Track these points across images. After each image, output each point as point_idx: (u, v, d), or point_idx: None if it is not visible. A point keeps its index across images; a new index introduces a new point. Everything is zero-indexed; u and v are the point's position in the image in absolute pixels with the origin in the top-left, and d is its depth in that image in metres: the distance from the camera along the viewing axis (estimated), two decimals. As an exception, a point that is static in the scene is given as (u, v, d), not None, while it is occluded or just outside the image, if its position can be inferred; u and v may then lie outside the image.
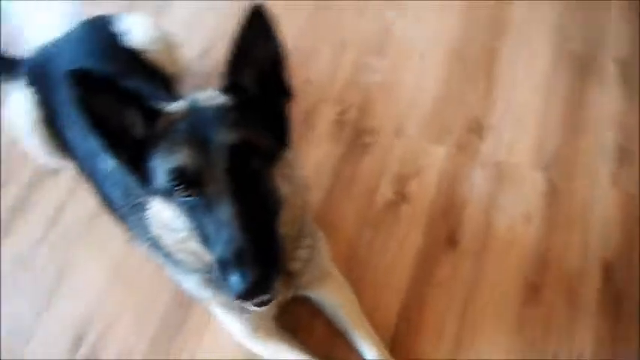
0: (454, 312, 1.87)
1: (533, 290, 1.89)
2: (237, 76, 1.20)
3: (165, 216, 1.24)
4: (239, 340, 1.77)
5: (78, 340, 1.91)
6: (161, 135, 1.17)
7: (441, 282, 1.92)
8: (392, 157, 2.19)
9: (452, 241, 1.99)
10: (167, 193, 1.16)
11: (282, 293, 1.54)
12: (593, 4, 2.60)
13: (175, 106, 1.23)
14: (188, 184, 1.12)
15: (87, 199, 2.12)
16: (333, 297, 1.80)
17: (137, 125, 1.18)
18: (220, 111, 1.19)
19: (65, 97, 1.65)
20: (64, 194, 2.22)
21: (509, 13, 2.58)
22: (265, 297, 1.16)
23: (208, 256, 1.21)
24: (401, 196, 2.09)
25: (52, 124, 1.90)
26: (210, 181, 1.12)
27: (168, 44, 2.11)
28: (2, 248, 2.12)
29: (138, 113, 1.17)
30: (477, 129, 2.24)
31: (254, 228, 1.10)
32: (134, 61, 1.95)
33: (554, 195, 2.08)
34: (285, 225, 1.25)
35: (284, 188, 1.21)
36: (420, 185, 2.12)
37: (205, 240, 1.15)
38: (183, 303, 1.92)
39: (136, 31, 1.98)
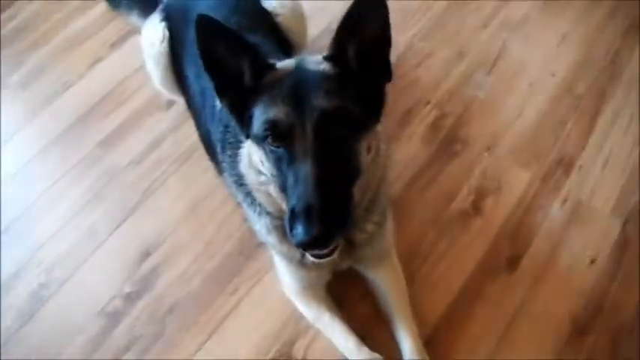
0: (495, 331, 1.91)
1: (578, 332, 1.91)
2: (342, 47, 1.30)
3: (254, 158, 1.39)
4: (287, 294, 1.91)
5: (145, 256, 2.13)
6: (266, 88, 1.31)
7: (491, 299, 1.97)
8: (477, 170, 2.26)
9: (512, 263, 2.04)
10: (260, 140, 1.30)
11: (342, 260, 1.66)
12: None
13: (284, 64, 1.36)
14: (278, 136, 1.26)
15: (187, 136, 2.37)
16: (386, 280, 1.90)
17: (247, 75, 1.33)
18: (322, 76, 1.31)
19: (192, 38, 1.87)
20: (168, 127, 2.46)
21: (628, 59, 2.58)
22: (323, 251, 1.29)
23: (282, 203, 1.36)
24: (475, 209, 2.16)
25: (175, 59, 2.10)
26: (299, 138, 1.24)
27: (299, 13, 2.26)
28: (104, 157, 2.38)
29: (250, 65, 1.31)
30: (566, 164, 2.27)
31: (328, 188, 1.21)
32: (265, 20, 2.10)
33: (625, 246, 2.08)
34: (359, 193, 1.36)
35: (366, 158, 1.33)
36: (497, 203, 2.18)
37: (283, 188, 1.28)
38: (244, 252, 2.08)
39: None
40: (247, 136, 1.38)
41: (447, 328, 1.92)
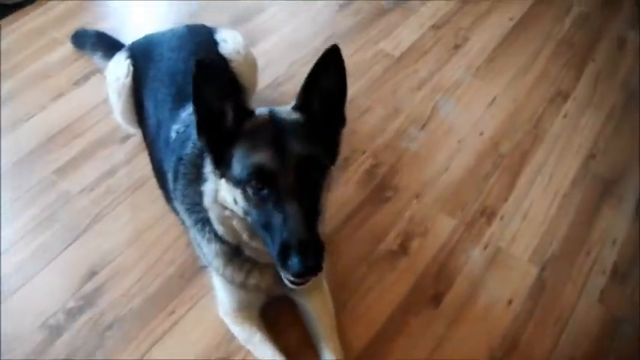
0: (416, 362, 2.00)
1: (495, 366, 2.01)
2: (308, 98, 1.49)
3: (224, 195, 1.52)
4: (223, 314, 1.99)
5: (90, 275, 2.18)
6: (247, 133, 1.45)
7: (413, 332, 2.07)
8: (406, 214, 2.40)
9: (435, 300, 2.15)
10: (241, 182, 1.43)
11: (277, 287, 1.76)
12: (630, 132, 2.81)
13: (260, 112, 1.51)
14: (263, 179, 1.39)
15: (139, 168, 2.49)
16: (316, 307, 1.99)
17: (229, 117, 1.46)
18: (297, 125, 1.47)
19: (156, 74, 2.08)
20: (122, 159, 2.57)
21: (551, 124, 2.82)
22: (312, 278, 1.42)
23: (243, 234, 1.56)
24: (403, 249, 2.28)
25: (136, 93, 2.25)
26: (283, 181, 1.38)
27: (251, 60, 2.43)
28: (59, 183, 2.47)
29: (233, 108, 1.45)
30: (488, 214, 2.42)
31: (311, 224, 1.38)
32: (221, 64, 2.25)
33: (541, 291, 2.22)
34: None
35: (325, 197, 1.52)
36: (423, 245, 2.31)
37: (265, 226, 1.41)
38: (185, 276, 2.16)
39: (229, 42, 2.31)
40: (222, 176, 1.50)
41: (370, 358, 2.00)
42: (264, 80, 2.84)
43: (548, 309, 2.18)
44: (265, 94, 2.82)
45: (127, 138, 2.63)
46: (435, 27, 3.34)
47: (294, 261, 1.33)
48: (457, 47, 3.21)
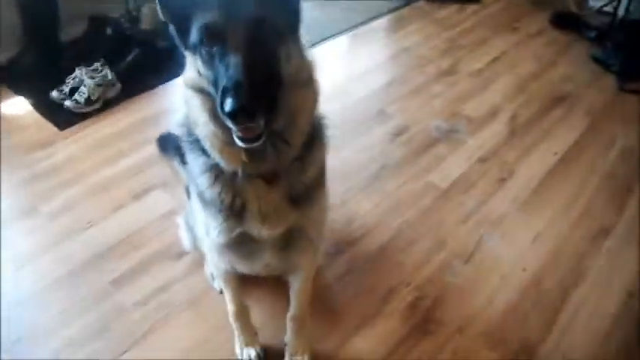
0: None
1: None
2: None
3: (190, 71, 1.54)
4: (207, 247, 2.04)
5: None
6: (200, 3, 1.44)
7: None
8: (448, 348, 2.48)
9: None
10: (196, 45, 1.44)
11: (282, 219, 1.77)
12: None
13: None
14: (212, 37, 1.39)
15: (193, 286, 2.71)
16: (299, 284, 2.22)
17: None
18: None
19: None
20: (176, 275, 2.78)
21: (593, 260, 2.89)
22: (251, 125, 1.38)
23: (205, 116, 1.53)
24: (443, 385, 2.37)
25: None
26: (230, 38, 1.39)
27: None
28: (114, 294, 2.67)
29: None
30: (529, 351, 2.48)
31: (254, 74, 1.36)
32: None
33: None
34: (290, 105, 1.51)
35: (286, 67, 1.47)
36: (464, 381, 2.39)
37: (215, 83, 1.41)
38: None
39: None
40: (185, 47, 1.51)
41: None
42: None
43: None
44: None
45: (182, 254, 2.83)
46: (482, 160, 3.53)
47: (227, 101, 1.31)
48: (503, 180, 3.37)
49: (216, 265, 2.16)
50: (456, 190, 3.31)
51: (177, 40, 1.54)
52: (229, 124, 1.38)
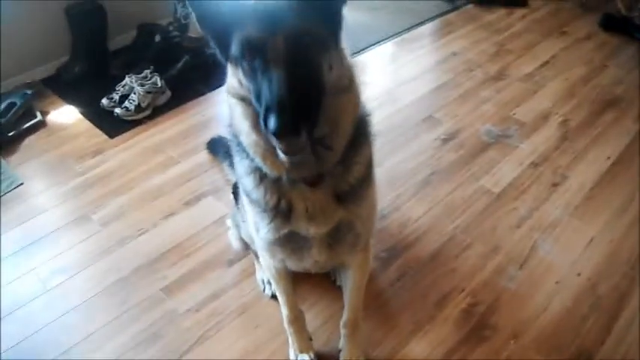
0: None
1: None
2: None
3: (233, 82, 1.55)
4: (257, 245, 2.09)
5: None
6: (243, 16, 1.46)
7: None
8: (503, 355, 2.49)
9: None
10: (238, 59, 1.45)
11: (329, 218, 1.78)
12: None
13: None
14: (253, 50, 1.40)
15: (244, 294, 2.77)
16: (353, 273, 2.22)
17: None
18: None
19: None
20: (228, 283, 2.85)
21: (651, 260, 2.85)
22: (295, 140, 1.39)
23: (247, 124, 1.55)
24: (498, 390, 2.39)
25: None
26: (271, 51, 1.40)
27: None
28: (166, 301, 2.74)
29: None
30: (585, 358, 2.48)
31: (296, 89, 1.37)
32: None
33: None
34: (331, 111, 1.52)
35: (329, 76, 1.48)
36: (517, 386, 2.39)
37: (258, 96, 1.43)
38: None
39: None
40: (227, 60, 1.53)
41: None
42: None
43: None
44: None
45: (234, 261, 2.90)
46: (534, 164, 3.53)
47: (271, 120, 1.32)
48: (555, 185, 3.37)
49: (267, 264, 2.19)
50: (509, 195, 3.31)
51: (218, 52, 1.55)
52: (272, 140, 1.41)
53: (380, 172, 3.43)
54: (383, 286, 2.80)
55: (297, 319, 2.37)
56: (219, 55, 1.56)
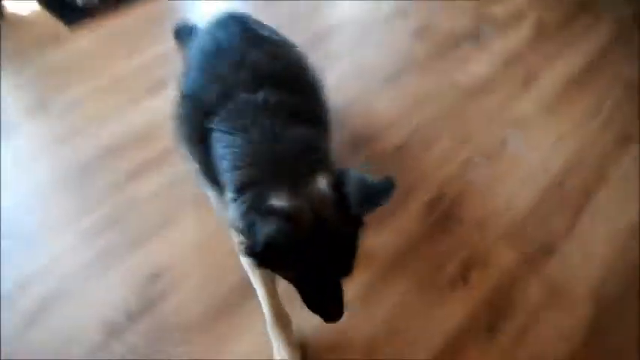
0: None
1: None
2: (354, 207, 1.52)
3: None
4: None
5: (154, 278, 2.28)
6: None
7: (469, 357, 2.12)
8: (466, 245, 2.45)
9: (492, 330, 2.19)
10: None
11: None
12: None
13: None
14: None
15: None
16: None
17: None
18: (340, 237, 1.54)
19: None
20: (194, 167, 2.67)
21: (617, 166, 2.84)
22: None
23: None
24: (462, 278, 2.34)
25: None
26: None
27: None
28: (129, 186, 2.62)
29: None
30: (549, 250, 2.46)
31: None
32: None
33: (598, 330, 2.23)
34: None
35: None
36: (482, 276, 2.35)
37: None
38: (248, 283, 2.20)
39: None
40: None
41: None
42: (333, 103, 2.96)
43: (604, 348, 2.19)
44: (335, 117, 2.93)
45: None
46: (507, 62, 3.42)
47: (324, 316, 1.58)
48: (527, 83, 3.27)
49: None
50: (479, 91, 3.21)
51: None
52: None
53: (348, 64, 3.35)
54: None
55: (281, 318, 2.08)
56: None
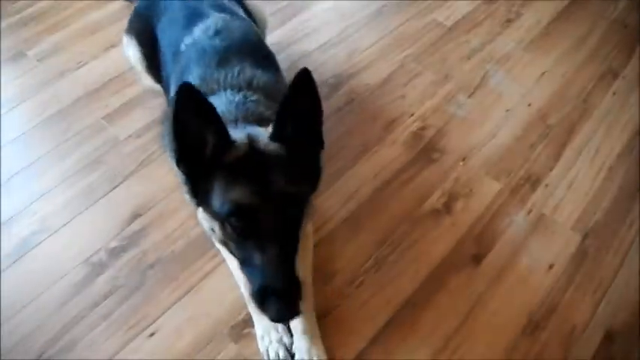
0: (454, 319, 2.02)
1: (533, 327, 2.01)
2: (284, 125, 1.45)
3: (204, 222, 1.53)
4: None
5: (135, 216, 2.28)
6: (227, 165, 1.41)
7: (453, 289, 2.09)
8: (451, 176, 2.42)
9: (476, 260, 2.17)
10: (218, 216, 1.43)
11: None
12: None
13: (240, 143, 1.44)
14: (244, 218, 1.38)
15: None
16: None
17: (209, 147, 1.42)
18: (277, 159, 1.42)
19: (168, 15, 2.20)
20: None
21: (600, 99, 2.80)
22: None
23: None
24: (447, 209, 2.31)
25: (153, 56, 2.34)
26: (264, 220, 1.37)
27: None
28: (108, 128, 2.61)
29: (215, 138, 1.41)
30: (533, 181, 2.43)
31: (289, 266, 1.39)
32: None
33: (582, 259, 2.22)
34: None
35: (305, 227, 1.52)
36: (466, 206, 2.33)
37: (244, 262, 1.43)
38: None
39: None
40: (199, 205, 1.50)
41: (411, 310, 2.03)
42: (314, 42, 2.91)
43: (588, 277, 2.17)
44: (315, 56, 2.91)
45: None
46: (489, 0, 3.34)
47: (271, 308, 1.35)
48: (509, 21, 3.22)
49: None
50: (461, 28, 3.15)
51: (190, 195, 1.51)
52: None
53: (329, 4, 3.27)
54: (330, 110, 2.65)
55: None
56: (189, 197, 1.53)
